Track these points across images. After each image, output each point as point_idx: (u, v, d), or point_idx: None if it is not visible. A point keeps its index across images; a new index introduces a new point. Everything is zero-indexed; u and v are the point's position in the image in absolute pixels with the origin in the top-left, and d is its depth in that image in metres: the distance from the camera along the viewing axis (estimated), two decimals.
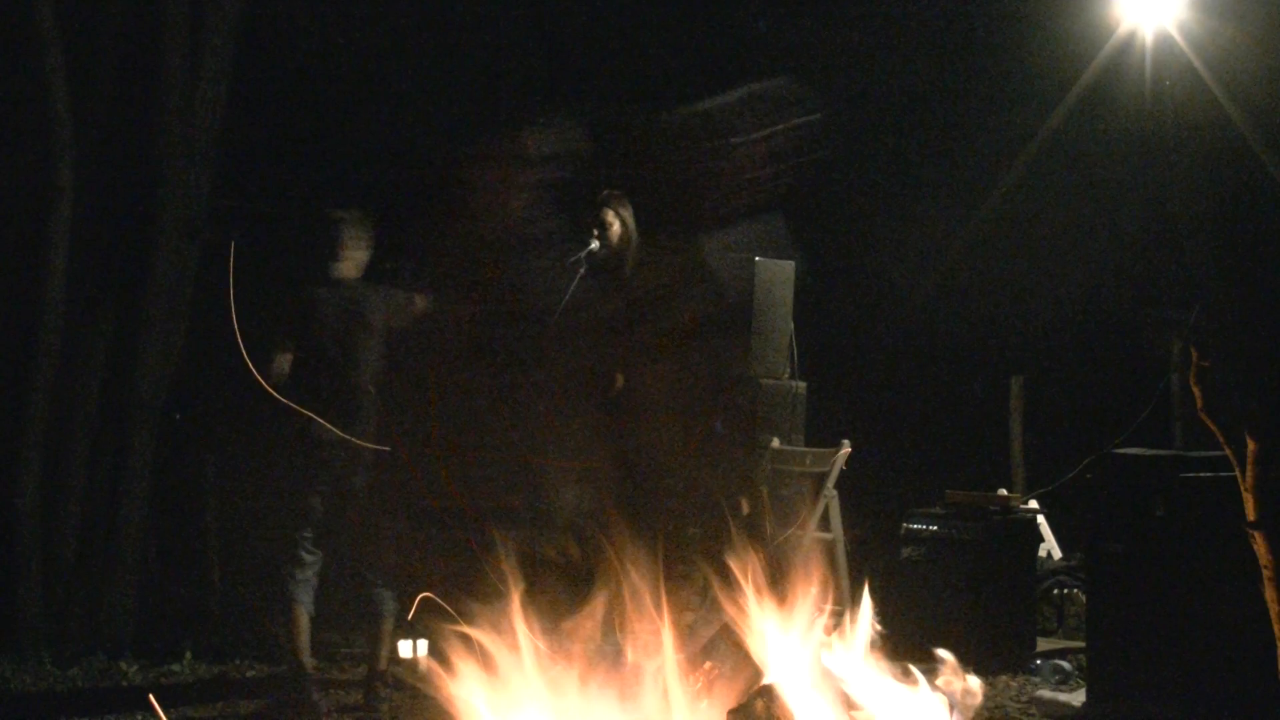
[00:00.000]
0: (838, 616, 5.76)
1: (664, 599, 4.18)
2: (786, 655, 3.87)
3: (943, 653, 3.98)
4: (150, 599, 7.54)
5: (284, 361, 5.94)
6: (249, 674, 6.46)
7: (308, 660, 5.84)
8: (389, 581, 5.90)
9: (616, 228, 6.60)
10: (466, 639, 4.18)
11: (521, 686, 4.00)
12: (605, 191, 6.64)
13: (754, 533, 6.44)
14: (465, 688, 3.94)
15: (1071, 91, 8.43)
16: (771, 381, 7.41)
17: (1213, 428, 3.61)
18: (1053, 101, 8.73)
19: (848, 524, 6.91)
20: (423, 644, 5.92)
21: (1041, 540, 6.95)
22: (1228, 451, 4.07)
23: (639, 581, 4.38)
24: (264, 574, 7.17)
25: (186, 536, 8.21)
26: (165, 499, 7.77)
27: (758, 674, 3.84)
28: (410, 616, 5.16)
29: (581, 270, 6.48)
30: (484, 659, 4.07)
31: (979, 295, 9.49)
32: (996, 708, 5.47)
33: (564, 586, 6.14)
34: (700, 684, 3.85)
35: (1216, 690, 5.01)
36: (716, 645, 4.03)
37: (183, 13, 7.40)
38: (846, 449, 6.69)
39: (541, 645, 4.22)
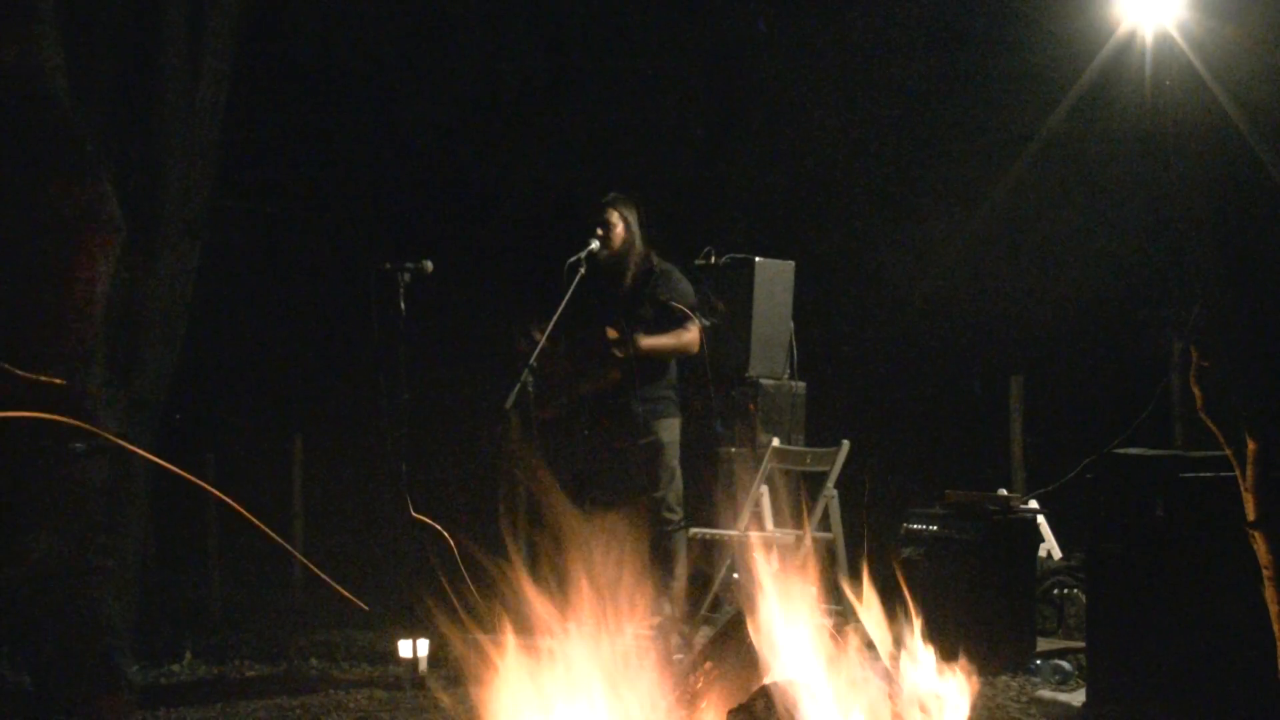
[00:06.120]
0: (838, 616, 5.77)
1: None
2: (788, 656, 3.86)
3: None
4: (150, 599, 7.54)
5: None
6: (249, 674, 6.45)
7: None
8: None
9: (620, 229, 6.58)
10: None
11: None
12: (611, 193, 6.61)
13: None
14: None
15: (1071, 91, 8.43)
16: (771, 381, 7.41)
17: (1213, 428, 3.61)
18: (1053, 101, 8.73)
19: (848, 524, 6.92)
20: (423, 644, 5.90)
21: (1041, 540, 6.95)
22: (1228, 451, 4.06)
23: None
24: (263, 573, 7.19)
25: (186, 536, 8.21)
26: (165, 499, 7.76)
27: (758, 674, 3.83)
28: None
29: (581, 270, 6.47)
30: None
31: (979, 295, 9.49)
32: (997, 708, 5.47)
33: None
34: (700, 684, 3.84)
35: (1216, 690, 5.00)
36: (717, 645, 4.02)
37: (183, 13, 7.40)
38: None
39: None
